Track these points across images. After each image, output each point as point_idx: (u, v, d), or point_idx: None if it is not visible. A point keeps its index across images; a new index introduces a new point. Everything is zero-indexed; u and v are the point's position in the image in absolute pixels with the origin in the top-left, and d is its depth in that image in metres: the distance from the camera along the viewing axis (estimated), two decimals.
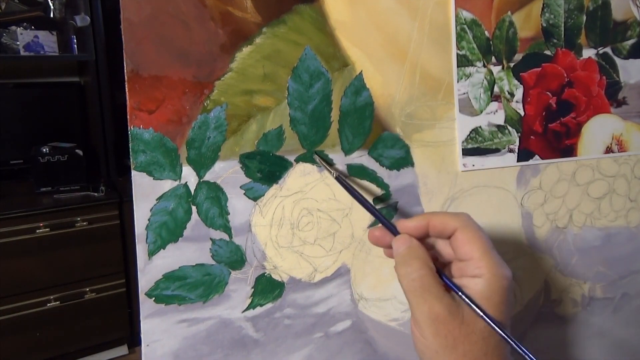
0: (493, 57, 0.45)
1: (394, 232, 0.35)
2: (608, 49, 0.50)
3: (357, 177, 0.42)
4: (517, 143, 0.48)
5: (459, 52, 0.44)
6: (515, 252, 0.51)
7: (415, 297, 0.31)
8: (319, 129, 0.40)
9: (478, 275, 0.31)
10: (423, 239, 0.34)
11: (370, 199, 0.43)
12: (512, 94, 0.47)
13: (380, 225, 0.37)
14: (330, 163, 0.41)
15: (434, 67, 0.43)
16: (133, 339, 1.94)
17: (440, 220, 0.33)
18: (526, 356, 0.29)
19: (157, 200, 0.37)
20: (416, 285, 0.31)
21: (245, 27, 0.37)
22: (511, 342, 0.29)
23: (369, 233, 0.37)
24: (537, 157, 0.49)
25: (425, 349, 0.31)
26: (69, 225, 1.69)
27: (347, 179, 0.42)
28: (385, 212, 0.44)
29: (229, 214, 0.39)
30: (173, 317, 0.39)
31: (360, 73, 0.41)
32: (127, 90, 0.34)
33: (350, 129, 0.41)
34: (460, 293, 0.30)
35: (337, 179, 0.39)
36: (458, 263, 0.33)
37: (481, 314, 0.29)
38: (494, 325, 0.29)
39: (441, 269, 0.33)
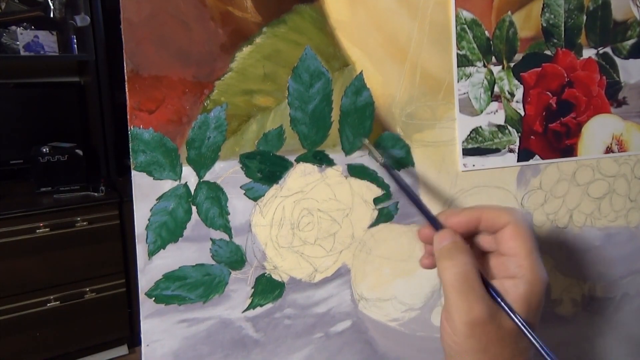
0: (493, 57, 0.45)
1: (437, 226, 0.34)
2: (608, 49, 0.50)
3: (358, 177, 0.42)
4: (518, 143, 0.48)
5: (459, 52, 0.44)
6: None
7: (456, 293, 0.30)
8: (320, 129, 0.40)
9: (518, 275, 0.30)
10: (466, 233, 0.33)
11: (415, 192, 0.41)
12: (512, 94, 0.47)
13: (424, 226, 0.35)
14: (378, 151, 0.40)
15: (434, 67, 0.43)
16: (133, 339, 1.94)
17: (493, 214, 0.32)
18: None
19: (157, 200, 0.37)
20: (460, 280, 0.30)
21: (246, 27, 0.37)
22: (543, 351, 0.28)
23: (419, 232, 0.36)
24: (537, 157, 0.49)
25: (454, 345, 0.30)
26: (69, 225, 1.69)
27: (357, 182, 0.42)
28: (386, 212, 0.44)
29: (229, 214, 0.39)
30: (173, 317, 0.39)
31: (361, 73, 0.41)
32: (127, 90, 0.34)
33: (351, 129, 0.41)
34: (499, 299, 0.30)
35: (385, 165, 0.38)
36: (499, 257, 0.32)
37: (521, 323, 0.29)
38: (530, 335, 0.29)
39: (479, 264, 0.32)
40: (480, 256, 0.34)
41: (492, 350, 0.29)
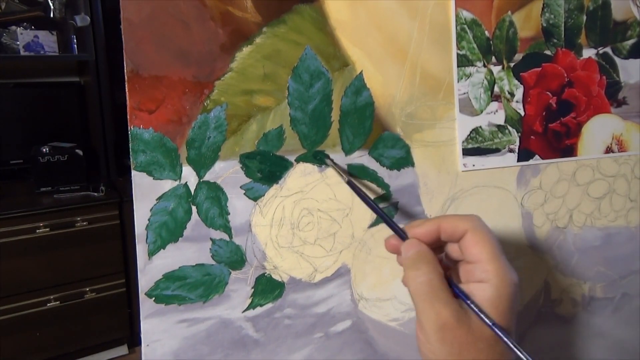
0: (493, 57, 0.45)
1: (403, 237, 0.34)
2: (608, 49, 0.50)
3: (358, 177, 0.42)
4: (517, 143, 0.48)
5: (459, 52, 0.44)
6: (516, 252, 0.51)
7: (422, 301, 0.30)
8: (320, 129, 0.40)
9: (485, 280, 0.30)
10: (432, 243, 0.34)
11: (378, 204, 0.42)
12: (512, 94, 0.47)
13: (390, 236, 0.36)
14: (342, 169, 0.41)
15: (434, 67, 0.43)
16: (133, 339, 1.94)
17: (451, 224, 0.33)
18: None
19: (157, 200, 0.37)
20: (424, 289, 0.30)
21: (246, 27, 0.37)
22: (517, 351, 0.28)
23: (385, 242, 0.36)
24: (537, 157, 0.49)
25: (431, 354, 0.30)
26: (69, 225, 1.69)
27: (357, 182, 0.42)
28: (387, 212, 0.44)
29: (229, 214, 0.39)
30: (173, 317, 0.39)
31: (361, 73, 0.41)
32: (127, 90, 0.34)
33: (351, 129, 0.41)
34: (468, 301, 0.30)
35: (349, 183, 0.39)
36: (466, 265, 0.32)
37: (489, 323, 0.29)
38: (501, 335, 0.29)
39: (448, 273, 0.33)
40: (453, 265, 0.35)
41: (466, 355, 0.29)
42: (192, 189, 0.38)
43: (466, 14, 0.44)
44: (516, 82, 0.47)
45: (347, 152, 0.42)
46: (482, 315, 0.29)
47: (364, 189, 0.43)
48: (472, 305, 0.30)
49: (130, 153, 0.35)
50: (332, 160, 0.41)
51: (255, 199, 0.40)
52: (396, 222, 0.36)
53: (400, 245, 0.34)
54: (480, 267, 0.31)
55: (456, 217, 0.33)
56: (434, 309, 0.29)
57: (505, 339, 0.29)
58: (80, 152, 1.78)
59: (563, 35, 0.48)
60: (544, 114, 0.48)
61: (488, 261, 0.30)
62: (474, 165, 0.46)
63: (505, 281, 0.30)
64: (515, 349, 0.28)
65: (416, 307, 0.31)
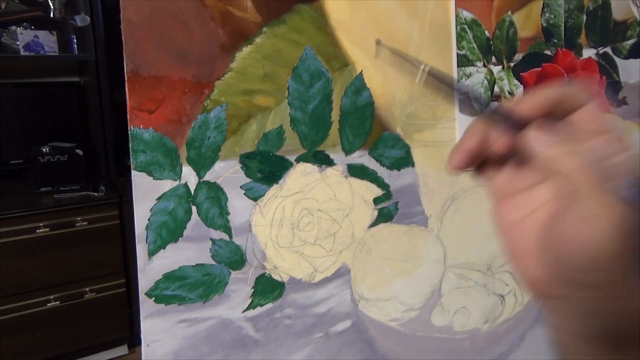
0: (493, 57, 0.45)
1: (521, 125, 0.27)
2: (608, 49, 0.50)
3: (358, 177, 0.42)
4: None
5: (459, 52, 0.44)
6: None
7: (600, 192, 0.25)
8: (320, 129, 0.40)
9: (616, 154, 0.26)
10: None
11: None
12: (512, 94, 0.47)
13: (479, 127, 0.28)
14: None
15: (435, 66, 0.43)
16: (133, 339, 1.94)
17: (574, 93, 0.27)
18: None
19: (157, 200, 0.37)
20: (597, 177, 0.25)
21: (246, 27, 0.37)
22: None
23: (474, 139, 0.27)
24: None
25: (598, 255, 0.25)
26: (69, 225, 1.69)
27: (356, 181, 0.42)
28: (386, 212, 0.44)
29: (229, 214, 0.39)
30: (173, 317, 0.39)
31: (361, 73, 0.41)
32: (127, 90, 0.34)
33: (351, 129, 0.41)
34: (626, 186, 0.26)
35: (430, 72, 0.29)
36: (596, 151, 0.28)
37: None
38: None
39: None
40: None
41: (637, 247, 0.25)
42: (192, 189, 0.38)
43: (466, 14, 0.44)
44: (516, 82, 0.47)
45: (347, 152, 0.42)
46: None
47: (363, 188, 0.43)
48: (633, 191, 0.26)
49: (130, 153, 0.35)
50: (392, 50, 0.31)
51: (255, 199, 0.39)
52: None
53: (505, 138, 0.27)
54: (606, 140, 0.26)
55: (572, 86, 0.26)
56: (613, 200, 0.24)
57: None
58: (80, 152, 1.78)
59: (563, 35, 0.47)
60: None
61: (613, 132, 0.27)
62: None
63: (634, 152, 0.27)
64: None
65: (586, 201, 0.25)
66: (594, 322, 0.27)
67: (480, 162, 0.29)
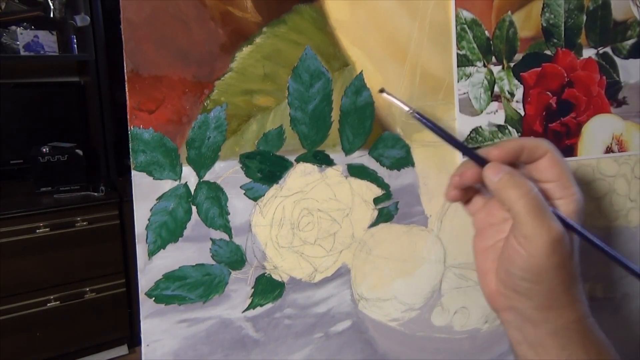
0: (493, 57, 0.45)
1: (483, 163, 0.34)
2: (608, 49, 0.50)
3: (358, 177, 0.42)
4: None
5: (459, 52, 0.44)
6: None
7: (534, 217, 0.31)
8: (320, 129, 0.40)
9: (567, 196, 0.32)
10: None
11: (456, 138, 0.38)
12: (512, 94, 0.47)
13: (464, 166, 0.35)
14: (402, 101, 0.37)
15: (434, 67, 0.43)
16: (133, 339, 1.94)
17: (533, 143, 0.34)
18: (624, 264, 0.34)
19: (157, 200, 0.37)
20: (535, 203, 0.31)
21: (246, 27, 0.37)
22: (611, 252, 0.33)
23: (461, 175, 0.35)
24: None
25: (531, 268, 0.31)
26: (69, 225, 1.69)
27: (355, 181, 0.42)
28: (386, 212, 0.44)
29: (229, 214, 0.39)
30: (173, 317, 0.39)
31: (361, 73, 0.41)
32: (127, 90, 0.34)
33: (351, 129, 0.41)
34: (562, 216, 0.32)
35: (416, 115, 0.36)
36: (541, 185, 0.33)
37: (589, 236, 0.32)
38: (594, 239, 0.33)
39: None
40: None
41: (567, 266, 0.31)
42: (192, 189, 0.38)
43: (466, 14, 0.44)
44: (516, 82, 0.47)
45: (347, 152, 0.42)
46: (575, 225, 0.32)
47: (363, 188, 0.43)
48: (567, 219, 0.32)
49: (130, 153, 0.35)
50: (389, 94, 0.38)
51: (255, 199, 0.40)
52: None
53: (472, 176, 0.34)
54: (559, 185, 0.33)
55: (533, 139, 0.34)
56: (546, 223, 0.30)
57: (596, 241, 0.33)
58: (80, 152, 1.78)
59: (563, 35, 0.48)
60: (544, 114, 0.48)
61: (568, 179, 0.33)
62: None
63: (581, 197, 0.33)
64: (609, 251, 0.33)
65: (522, 223, 0.31)
66: (538, 331, 0.32)
67: (467, 198, 0.37)
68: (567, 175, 0.33)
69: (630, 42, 0.50)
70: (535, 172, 0.34)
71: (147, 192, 0.36)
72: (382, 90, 0.38)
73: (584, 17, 0.48)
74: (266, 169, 0.39)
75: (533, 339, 0.33)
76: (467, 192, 0.37)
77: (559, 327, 0.32)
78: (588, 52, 0.49)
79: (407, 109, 0.36)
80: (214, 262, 0.39)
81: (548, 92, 0.48)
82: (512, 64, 0.46)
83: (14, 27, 1.75)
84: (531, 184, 0.32)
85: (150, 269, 0.37)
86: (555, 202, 0.33)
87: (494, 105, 0.46)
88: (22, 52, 1.75)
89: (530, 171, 0.34)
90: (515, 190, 0.31)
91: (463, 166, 0.35)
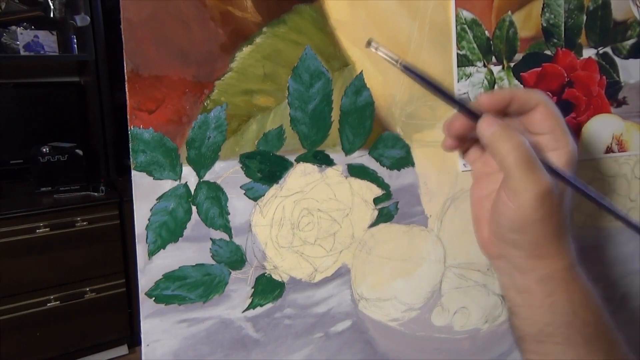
0: (493, 57, 0.45)
1: (477, 115, 0.34)
2: (608, 49, 0.50)
3: (358, 177, 0.42)
4: None
5: (459, 52, 0.44)
6: None
7: (523, 170, 0.31)
8: (320, 129, 0.40)
9: (559, 148, 0.33)
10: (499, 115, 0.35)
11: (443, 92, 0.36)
12: None
13: (454, 116, 0.35)
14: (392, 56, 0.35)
15: (434, 67, 0.43)
16: (133, 339, 1.94)
17: (525, 95, 0.34)
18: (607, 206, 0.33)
19: (157, 200, 0.37)
20: (524, 158, 0.31)
21: (246, 27, 0.37)
22: (606, 204, 0.33)
23: (450, 124, 0.35)
24: None
25: (520, 220, 0.32)
26: (69, 225, 1.69)
27: (356, 180, 0.42)
28: (386, 212, 0.44)
29: (229, 214, 0.39)
30: (173, 317, 0.39)
31: (361, 73, 0.41)
32: (127, 90, 0.34)
33: (351, 129, 0.41)
34: (549, 165, 0.32)
35: (405, 67, 0.35)
36: (532, 137, 0.34)
37: (580, 187, 0.32)
38: (585, 190, 0.32)
39: None
40: None
41: (555, 217, 0.32)
42: (192, 189, 0.38)
43: (466, 14, 0.44)
44: (516, 82, 0.47)
45: (347, 152, 0.42)
46: (569, 176, 0.32)
47: (363, 188, 0.43)
48: (557, 169, 0.32)
49: (130, 153, 0.35)
50: (378, 46, 0.35)
51: (255, 199, 0.40)
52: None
53: (463, 127, 0.35)
54: (552, 137, 0.33)
55: (527, 90, 0.35)
56: (535, 176, 0.31)
57: (596, 198, 0.33)
58: (80, 152, 1.78)
59: (563, 35, 0.48)
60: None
61: (561, 131, 0.33)
62: None
63: (574, 147, 0.33)
64: (596, 198, 0.32)
65: (511, 176, 0.31)
66: (525, 278, 0.33)
67: (465, 148, 0.38)
68: (561, 127, 0.33)
69: (630, 42, 0.50)
70: (529, 123, 0.34)
71: (147, 192, 0.36)
72: (369, 42, 0.35)
73: (584, 17, 0.48)
74: (266, 169, 0.39)
75: (520, 285, 0.34)
76: (463, 143, 0.37)
77: (545, 275, 0.33)
78: (588, 52, 0.49)
79: (396, 59, 0.35)
80: (214, 262, 0.39)
81: (548, 92, 0.48)
82: (512, 64, 0.46)
83: (14, 27, 1.75)
84: (522, 138, 0.32)
85: (150, 269, 0.37)
86: (548, 153, 0.33)
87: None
88: (22, 52, 1.75)
89: (524, 123, 0.35)
90: (507, 143, 0.32)
91: (454, 116, 0.35)
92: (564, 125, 0.33)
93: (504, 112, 0.34)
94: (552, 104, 0.34)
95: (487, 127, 0.33)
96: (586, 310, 0.33)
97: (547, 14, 0.47)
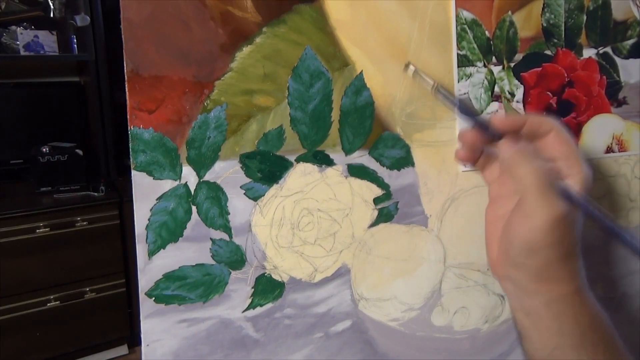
0: (493, 57, 0.45)
1: (498, 135, 0.35)
2: (608, 49, 0.50)
3: (358, 177, 0.42)
4: None
5: (459, 52, 0.44)
6: None
7: (538, 195, 0.32)
8: (320, 129, 0.40)
9: (573, 175, 0.33)
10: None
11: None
12: (512, 94, 0.47)
13: (467, 132, 0.36)
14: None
15: (435, 67, 0.43)
16: (133, 339, 1.94)
17: (538, 120, 0.35)
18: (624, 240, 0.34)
19: (157, 200, 0.37)
20: (541, 182, 0.32)
21: (246, 27, 0.37)
22: (619, 232, 0.34)
23: (464, 135, 0.37)
24: None
25: (529, 244, 0.32)
26: (69, 225, 1.69)
27: (356, 181, 0.42)
28: (386, 212, 0.44)
29: (229, 214, 0.39)
30: (173, 317, 0.39)
31: (361, 73, 0.41)
32: (127, 90, 0.34)
33: (351, 129, 0.41)
34: (572, 194, 0.33)
35: (437, 89, 0.38)
36: (548, 163, 0.34)
37: (599, 214, 0.33)
38: (601, 217, 0.34)
39: None
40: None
41: (565, 243, 0.32)
42: (192, 188, 0.38)
43: (466, 14, 0.44)
44: (516, 82, 0.47)
45: (347, 152, 0.42)
46: (588, 207, 0.33)
47: (363, 188, 0.43)
48: (572, 194, 0.33)
49: (130, 153, 0.35)
50: (415, 67, 0.39)
51: (255, 199, 0.40)
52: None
53: (476, 142, 0.36)
54: (567, 163, 0.34)
55: (540, 116, 0.35)
56: (550, 201, 0.32)
57: (611, 225, 0.34)
58: (80, 152, 1.78)
59: (563, 35, 0.47)
60: (544, 114, 0.48)
61: (575, 158, 0.34)
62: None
63: (587, 174, 0.34)
64: (614, 228, 0.34)
65: (527, 199, 0.32)
66: (532, 301, 0.34)
67: (479, 163, 0.38)
68: (574, 153, 0.34)
69: (631, 42, 0.50)
70: (542, 149, 0.35)
71: (147, 192, 0.36)
72: (407, 65, 0.39)
73: (584, 17, 0.48)
74: (266, 168, 0.39)
75: (528, 307, 0.34)
76: (476, 154, 0.38)
77: (552, 298, 0.33)
78: (588, 52, 0.49)
79: (431, 83, 0.38)
80: (214, 262, 0.39)
81: (548, 92, 0.48)
82: (512, 64, 0.46)
83: (14, 27, 1.75)
84: (541, 162, 0.32)
85: (150, 269, 0.37)
86: (561, 180, 0.34)
87: (495, 105, 0.46)
88: (22, 52, 1.76)
89: (537, 148, 0.35)
90: (525, 166, 0.32)
91: (467, 127, 0.36)
92: (578, 152, 0.34)
93: (517, 136, 0.35)
94: (564, 130, 0.34)
95: (507, 149, 0.34)
96: (594, 333, 0.33)
97: (548, 14, 0.47)
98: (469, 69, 0.45)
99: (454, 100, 0.37)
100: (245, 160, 0.39)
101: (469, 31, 0.44)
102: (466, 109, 0.37)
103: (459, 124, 0.45)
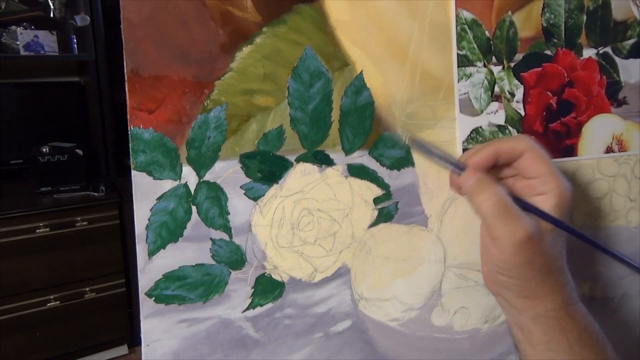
0: (493, 57, 0.45)
1: (462, 168, 0.36)
2: (608, 49, 0.50)
3: (358, 177, 0.42)
4: None
5: (459, 52, 0.44)
6: None
7: (497, 220, 0.33)
8: (320, 129, 0.40)
9: (547, 192, 0.34)
10: (489, 167, 0.37)
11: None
12: (512, 94, 0.47)
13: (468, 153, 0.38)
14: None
15: (435, 67, 0.43)
16: (133, 339, 1.94)
17: (509, 146, 0.36)
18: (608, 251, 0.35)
19: (157, 200, 0.37)
20: (497, 208, 0.33)
21: (246, 27, 0.37)
22: (592, 242, 0.35)
23: (451, 181, 0.39)
24: None
25: (502, 264, 0.34)
26: (69, 225, 1.69)
27: (356, 180, 0.42)
28: (386, 212, 0.44)
29: (229, 214, 0.39)
30: (173, 317, 0.39)
31: (361, 73, 0.41)
32: (127, 90, 0.34)
33: (351, 129, 0.41)
34: (538, 211, 0.34)
35: (413, 142, 0.41)
36: (524, 180, 0.36)
37: (563, 225, 0.34)
38: (577, 231, 0.34)
39: (508, 191, 0.36)
40: (509, 183, 0.38)
41: (537, 262, 0.33)
42: (192, 188, 0.38)
43: (466, 14, 0.44)
44: (516, 82, 0.47)
45: (347, 152, 0.42)
46: (555, 219, 0.33)
47: (363, 188, 0.43)
48: (543, 213, 0.33)
49: (130, 153, 0.35)
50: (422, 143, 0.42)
51: (255, 199, 0.40)
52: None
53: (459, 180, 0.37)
54: (540, 181, 0.34)
55: (511, 139, 0.37)
56: (511, 226, 0.32)
57: (583, 235, 0.34)
58: (80, 152, 1.78)
59: (563, 35, 0.48)
60: (544, 114, 0.48)
61: (548, 174, 0.34)
62: None
63: (564, 189, 0.34)
64: (589, 240, 0.34)
65: (490, 226, 0.33)
66: (521, 316, 0.35)
67: None
68: (548, 170, 0.34)
69: (631, 42, 0.50)
70: (519, 169, 0.36)
71: (147, 192, 0.36)
72: (412, 141, 0.42)
73: (584, 17, 0.48)
74: (266, 168, 0.39)
75: (519, 322, 0.35)
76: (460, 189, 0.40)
77: (538, 314, 0.34)
78: (588, 52, 0.49)
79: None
80: (214, 262, 0.39)
81: (548, 92, 0.48)
82: (512, 64, 0.46)
83: (14, 27, 1.75)
84: (498, 189, 0.34)
85: (150, 269, 0.37)
86: (536, 197, 0.35)
87: (495, 105, 0.46)
88: (22, 52, 1.76)
89: (516, 169, 0.36)
90: (481, 195, 0.34)
91: (467, 153, 0.38)
92: (553, 168, 0.35)
93: (493, 166, 0.36)
94: (538, 148, 0.35)
95: (466, 181, 0.35)
96: (583, 347, 0.34)
97: (548, 14, 0.47)
98: (469, 69, 0.45)
99: (426, 148, 0.40)
100: (245, 160, 0.39)
101: (469, 31, 0.44)
102: (429, 151, 0.40)
103: (459, 124, 0.45)
